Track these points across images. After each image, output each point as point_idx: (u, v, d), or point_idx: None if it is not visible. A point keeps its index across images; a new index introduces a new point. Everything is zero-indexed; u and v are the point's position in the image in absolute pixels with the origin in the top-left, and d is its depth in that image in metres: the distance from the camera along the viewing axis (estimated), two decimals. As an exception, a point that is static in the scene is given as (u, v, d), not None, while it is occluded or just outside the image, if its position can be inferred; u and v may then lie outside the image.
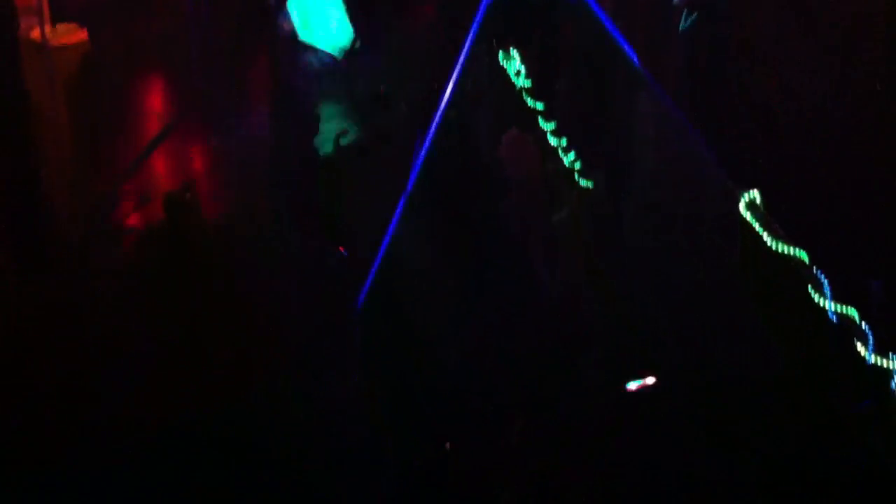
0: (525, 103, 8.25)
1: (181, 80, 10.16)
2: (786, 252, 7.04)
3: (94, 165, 9.01)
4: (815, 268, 6.97)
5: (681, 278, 7.45)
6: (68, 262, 7.69)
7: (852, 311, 6.82)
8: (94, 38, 10.78)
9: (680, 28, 9.10)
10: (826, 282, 6.92)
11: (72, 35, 10.80)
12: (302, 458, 5.94)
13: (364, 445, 6.04)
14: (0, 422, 6.25)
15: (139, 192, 8.38)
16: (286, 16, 10.94)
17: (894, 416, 6.51)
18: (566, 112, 8.39)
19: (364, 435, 6.11)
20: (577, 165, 8.08)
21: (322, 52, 10.59)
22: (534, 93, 8.25)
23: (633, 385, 6.45)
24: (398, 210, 7.52)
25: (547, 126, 8.19)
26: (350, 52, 10.59)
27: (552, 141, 8.11)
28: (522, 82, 8.27)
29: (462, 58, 7.71)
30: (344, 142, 8.79)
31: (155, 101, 10.16)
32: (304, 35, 11.12)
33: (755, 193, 7.13)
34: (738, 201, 7.20)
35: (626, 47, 8.03)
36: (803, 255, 7.05)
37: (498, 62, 8.33)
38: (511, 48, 8.25)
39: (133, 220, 8.13)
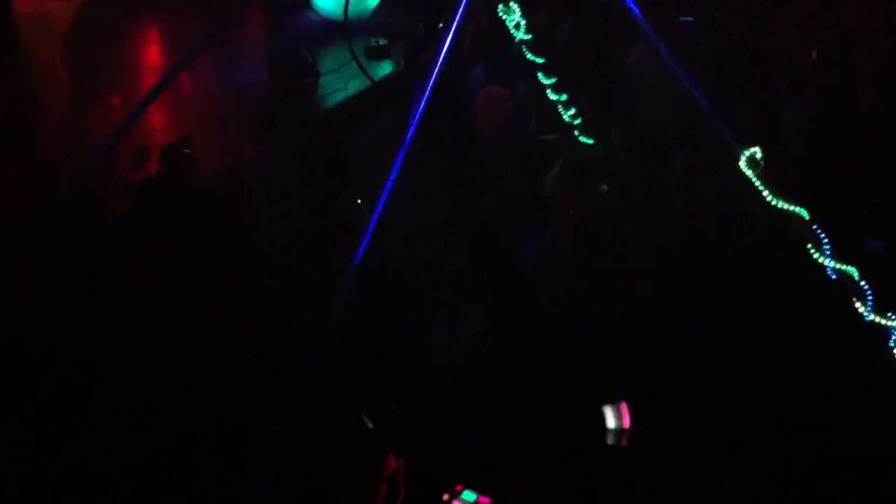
0: (524, 57, 8.17)
1: (179, 33, 10.08)
2: (785, 209, 7.00)
3: (92, 119, 8.96)
4: (814, 226, 6.94)
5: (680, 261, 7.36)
6: (66, 218, 7.66)
7: (852, 270, 6.81)
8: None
9: None
10: (826, 240, 6.89)
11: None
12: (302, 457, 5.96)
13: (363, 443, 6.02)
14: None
15: (138, 146, 8.33)
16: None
17: (890, 374, 6.52)
18: (567, 66, 8.30)
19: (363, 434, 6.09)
20: (578, 121, 8.03)
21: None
22: (534, 46, 8.15)
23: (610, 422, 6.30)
24: (396, 165, 7.46)
25: (547, 81, 8.11)
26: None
27: (552, 96, 8.04)
28: (522, 35, 8.17)
29: (461, 9, 7.58)
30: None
31: (153, 55, 10.09)
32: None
33: (756, 150, 7.07)
34: (738, 158, 7.15)
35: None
36: (803, 213, 7.01)
37: (497, 14, 8.22)
38: (511, 1, 8.13)
39: (132, 175, 8.09)
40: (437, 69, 7.33)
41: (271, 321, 6.88)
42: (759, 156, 7.08)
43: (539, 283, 7.27)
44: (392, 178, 7.21)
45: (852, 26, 9.19)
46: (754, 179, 7.05)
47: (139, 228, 7.50)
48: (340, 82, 9.24)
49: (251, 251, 7.36)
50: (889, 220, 7.55)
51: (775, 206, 7.02)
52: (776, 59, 9.05)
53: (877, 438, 6.10)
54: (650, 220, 7.54)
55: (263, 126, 8.24)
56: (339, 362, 6.46)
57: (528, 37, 8.13)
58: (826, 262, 6.83)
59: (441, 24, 7.52)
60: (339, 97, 8.85)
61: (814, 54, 9.01)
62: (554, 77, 8.08)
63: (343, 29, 9.60)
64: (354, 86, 9.40)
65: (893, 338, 6.63)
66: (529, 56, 8.14)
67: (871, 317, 6.67)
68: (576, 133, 8.00)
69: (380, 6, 11.41)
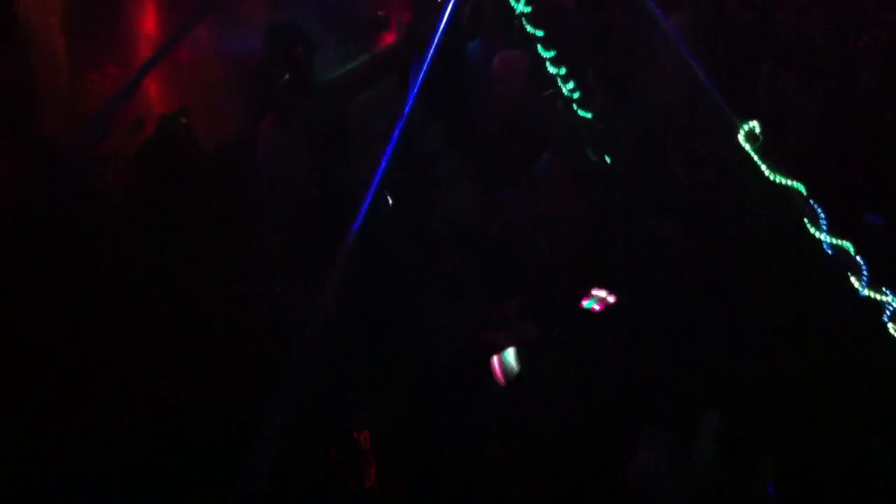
0: (524, 29, 8.13)
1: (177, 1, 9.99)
2: (783, 183, 7.00)
3: (89, 89, 8.90)
4: (811, 200, 6.94)
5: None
6: (66, 185, 7.63)
7: (848, 245, 6.81)
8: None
9: None
10: (822, 214, 6.89)
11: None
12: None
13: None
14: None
15: (134, 116, 8.29)
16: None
17: (887, 349, 6.53)
18: (567, 40, 8.26)
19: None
20: (577, 95, 7.99)
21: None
22: (534, 19, 8.12)
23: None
24: (394, 137, 7.44)
25: (546, 54, 8.08)
26: None
27: (551, 69, 8.01)
28: (522, 8, 8.13)
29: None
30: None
31: (150, 24, 10.01)
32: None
33: (754, 124, 7.06)
34: (736, 132, 7.14)
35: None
36: (800, 188, 7.01)
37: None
38: (511, -28, 8.09)
39: (128, 145, 8.06)
40: (435, 41, 7.32)
41: (271, 299, 6.86)
42: (757, 130, 7.07)
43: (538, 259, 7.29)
44: (390, 149, 7.23)
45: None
46: (753, 154, 7.05)
47: (138, 201, 7.47)
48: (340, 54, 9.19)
49: (254, 225, 7.34)
50: (889, 196, 7.54)
51: (773, 183, 7.02)
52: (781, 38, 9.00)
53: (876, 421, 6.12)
54: (649, 201, 7.53)
55: (260, 96, 8.20)
56: (339, 341, 6.46)
57: (528, 9, 8.09)
58: (822, 237, 6.83)
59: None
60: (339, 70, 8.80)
61: (815, 34, 8.96)
62: (553, 50, 8.04)
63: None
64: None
65: (887, 313, 6.64)
66: (529, 29, 8.10)
67: (866, 292, 6.67)
68: (574, 107, 7.96)
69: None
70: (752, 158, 7.11)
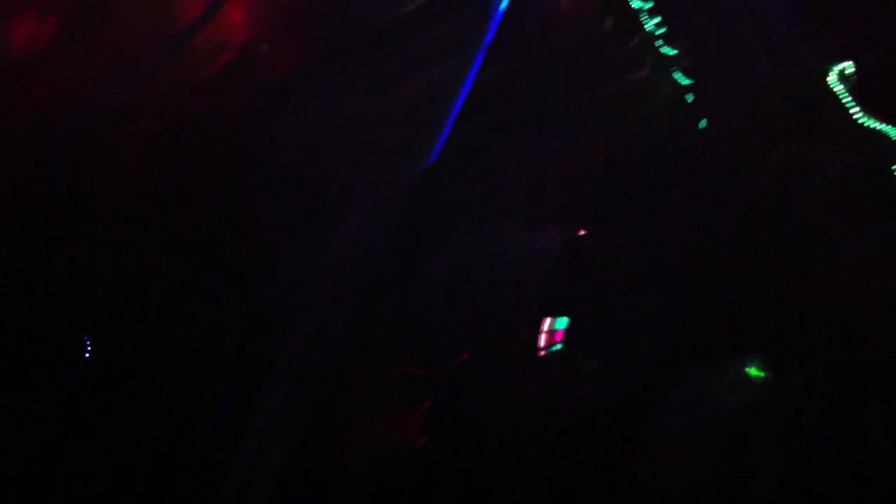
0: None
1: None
2: (875, 128, 6.83)
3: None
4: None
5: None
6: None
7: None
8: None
9: None
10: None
11: None
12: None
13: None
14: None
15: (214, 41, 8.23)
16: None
17: None
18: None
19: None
20: (660, 31, 7.81)
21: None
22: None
23: None
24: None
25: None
26: None
27: (634, 3, 7.80)
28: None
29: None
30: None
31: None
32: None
33: (847, 63, 6.87)
34: (825, 75, 6.95)
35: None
36: (892, 132, 6.83)
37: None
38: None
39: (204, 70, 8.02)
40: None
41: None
42: (848, 71, 6.89)
43: None
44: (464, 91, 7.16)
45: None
46: (843, 96, 6.87)
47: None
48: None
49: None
50: None
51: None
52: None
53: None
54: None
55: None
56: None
57: None
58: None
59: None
60: None
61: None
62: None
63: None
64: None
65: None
66: None
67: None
68: (657, 44, 7.77)
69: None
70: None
